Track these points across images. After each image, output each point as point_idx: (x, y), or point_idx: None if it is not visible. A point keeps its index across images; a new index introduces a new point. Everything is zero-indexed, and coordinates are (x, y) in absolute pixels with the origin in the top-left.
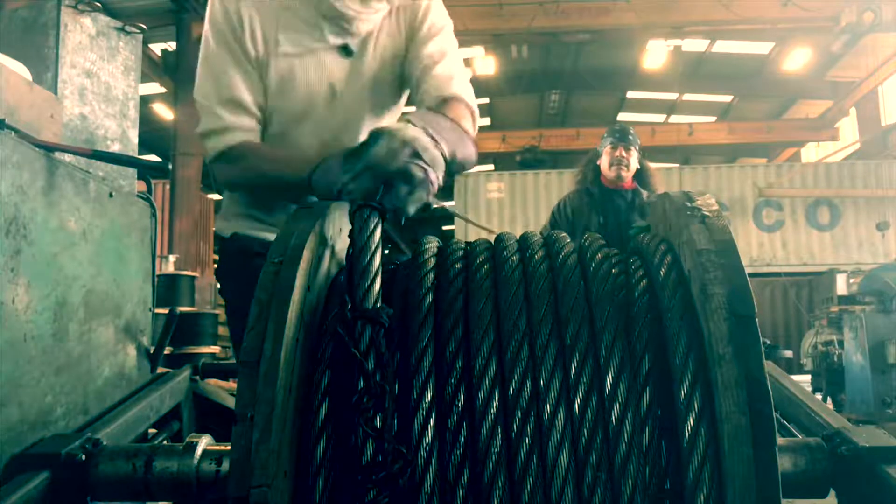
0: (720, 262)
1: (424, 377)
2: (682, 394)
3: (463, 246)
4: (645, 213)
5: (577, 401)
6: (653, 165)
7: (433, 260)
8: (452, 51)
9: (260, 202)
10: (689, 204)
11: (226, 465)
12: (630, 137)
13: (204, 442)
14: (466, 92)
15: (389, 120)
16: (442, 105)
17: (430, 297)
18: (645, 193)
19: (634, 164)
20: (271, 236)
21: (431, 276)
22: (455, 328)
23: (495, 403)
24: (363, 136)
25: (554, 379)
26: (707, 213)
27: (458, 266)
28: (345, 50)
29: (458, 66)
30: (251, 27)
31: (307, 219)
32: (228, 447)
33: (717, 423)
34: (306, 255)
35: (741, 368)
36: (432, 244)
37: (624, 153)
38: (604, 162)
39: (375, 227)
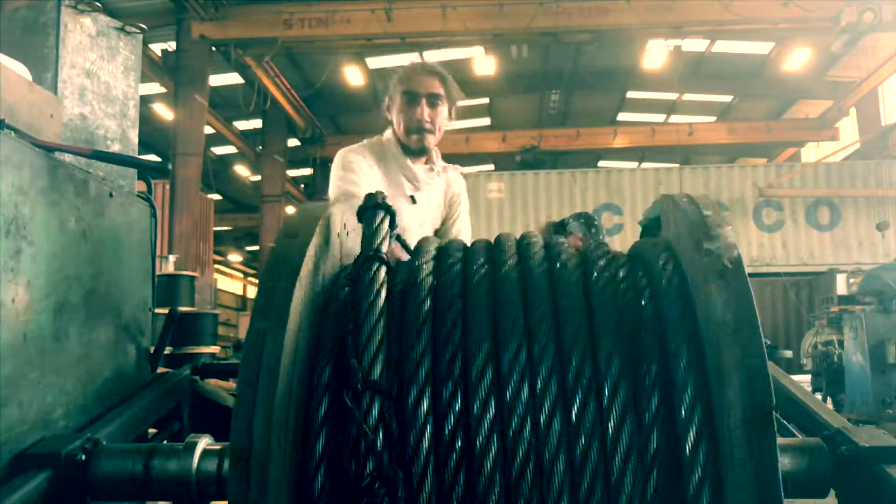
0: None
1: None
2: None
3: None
4: None
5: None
6: (651, 166)
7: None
8: (467, 222)
9: None
10: (707, 246)
11: (225, 465)
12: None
13: (204, 442)
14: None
15: None
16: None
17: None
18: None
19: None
20: None
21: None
22: (452, 332)
23: (492, 410)
24: None
25: (551, 383)
26: (727, 263)
27: (456, 268)
28: (412, 199)
29: (468, 230)
30: (374, 168)
31: (308, 223)
32: (228, 446)
33: None
34: (293, 316)
35: (755, 470)
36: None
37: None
38: None
39: (381, 287)
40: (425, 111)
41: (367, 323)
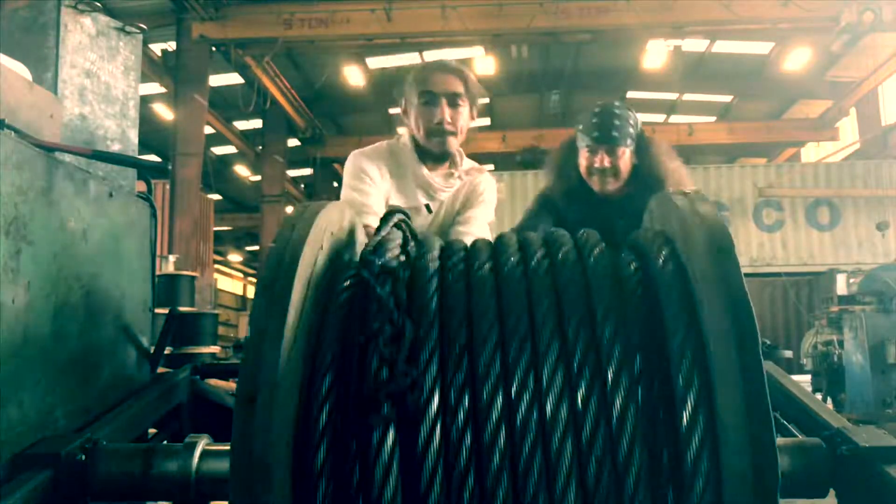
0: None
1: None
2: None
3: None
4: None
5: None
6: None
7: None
8: (485, 223)
9: None
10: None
11: (225, 465)
12: (615, 134)
13: (203, 442)
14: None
15: None
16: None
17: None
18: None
19: (627, 168)
20: None
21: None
22: (460, 327)
23: (500, 400)
24: None
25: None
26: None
27: (460, 266)
28: (427, 208)
29: (482, 227)
30: (380, 177)
31: (311, 211)
32: (228, 447)
33: None
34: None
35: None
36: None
37: (607, 160)
38: (581, 165)
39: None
40: (446, 112)
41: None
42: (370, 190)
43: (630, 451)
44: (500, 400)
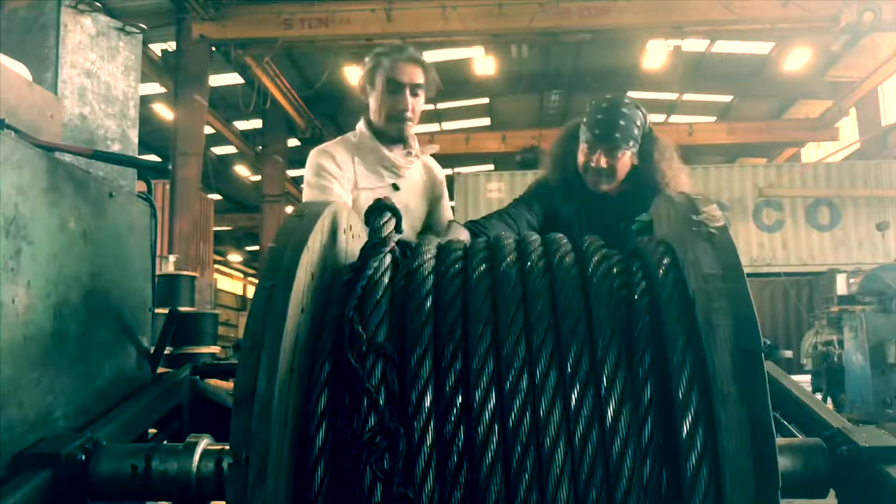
0: (726, 289)
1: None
2: (685, 431)
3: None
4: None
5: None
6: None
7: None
8: (448, 208)
9: None
10: (694, 217)
11: (225, 465)
12: (617, 136)
13: (203, 442)
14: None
15: (415, 227)
16: (449, 225)
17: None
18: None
19: (626, 169)
20: None
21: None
22: (453, 330)
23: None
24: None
25: (550, 374)
26: (713, 230)
27: (456, 266)
28: (395, 187)
29: (448, 206)
30: (347, 163)
31: (298, 231)
32: (227, 447)
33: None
34: (300, 276)
35: (746, 409)
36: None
37: (604, 160)
38: (579, 159)
39: (386, 270)
40: (408, 101)
41: (373, 296)
42: (330, 184)
43: (623, 450)
44: (492, 398)
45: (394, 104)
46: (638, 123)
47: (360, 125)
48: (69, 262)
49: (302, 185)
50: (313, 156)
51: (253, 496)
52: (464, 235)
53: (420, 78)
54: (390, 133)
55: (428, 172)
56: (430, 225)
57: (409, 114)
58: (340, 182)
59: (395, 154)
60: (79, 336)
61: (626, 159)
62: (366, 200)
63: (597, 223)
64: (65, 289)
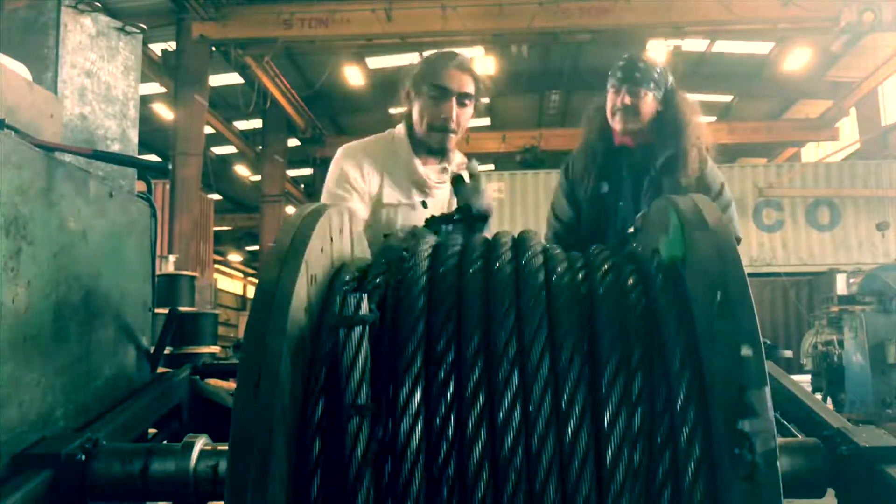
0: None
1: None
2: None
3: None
4: (670, 179)
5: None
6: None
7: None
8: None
9: None
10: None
11: (223, 465)
12: (637, 75)
13: (201, 442)
14: None
15: None
16: None
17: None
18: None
19: (650, 109)
20: None
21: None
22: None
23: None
24: None
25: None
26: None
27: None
28: (423, 204)
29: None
30: (371, 175)
31: (299, 231)
32: (225, 447)
33: None
34: (301, 275)
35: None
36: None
37: (628, 98)
38: (607, 108)
39: (362, 339)
40: (454, 110)
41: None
42: (349, 198)
43: (619, 449)
44: (482, 396)
45: (437, 112)
46: (658, 70)
47: (400, 130)
48: (69, 262)
49: (302, 185)
50: (340, 157)
51: (252, 496)
52: None
53: (470, 87)
54: (430, 144)
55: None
56: None
57: (453, 125)
58: (361, 195)
59: (429, 169)
60: (79, 336)
61: (650, 101)
62: (386, 214)
63: (620, 181)
64: (65, 289)
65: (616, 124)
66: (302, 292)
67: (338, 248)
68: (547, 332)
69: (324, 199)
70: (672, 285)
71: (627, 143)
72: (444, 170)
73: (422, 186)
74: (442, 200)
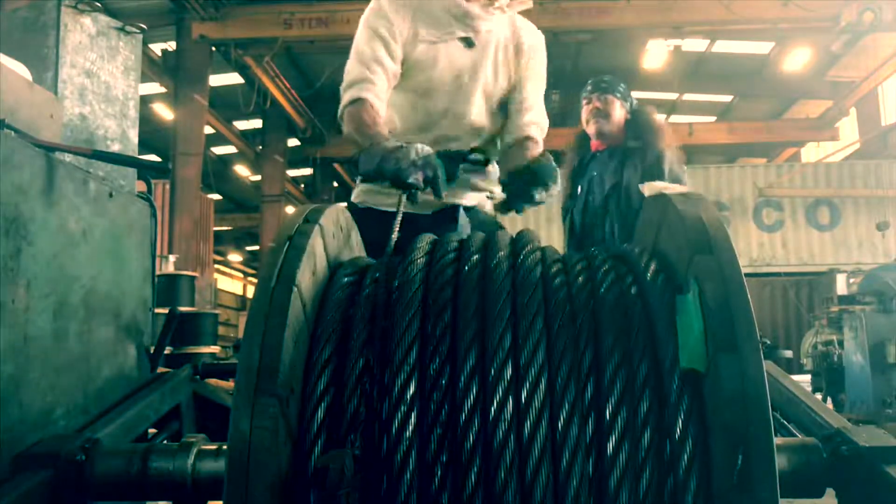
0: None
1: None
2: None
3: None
4: (638, 171)
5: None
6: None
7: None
8: (540, 95)
9: None
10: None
11: (222, 465)
12: (604, 84)
13: (200, 442)
14: (541, 130)
15: (491, 104)
16: (524, 142)
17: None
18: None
19: (618, 115)
20: (386, 200)
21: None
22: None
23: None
24: (473, 109)
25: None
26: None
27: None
28: (467, 42)
29: (541, 110)
30: (401, 18)
31: (300, 231)
32: (225, 446)
33: None
34: (301, 275)
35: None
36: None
37: (598, 102)
38: (582, 120)
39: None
40: None
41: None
42: (373, 72)
43: (618, 447)
44: (475, 388)
45: None
46: (621, 87)
47: None
48: (69, 262)
49: (302, 185)
50: (370, 9)
51: (249, 497)
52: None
53: None
54: None
55: (516, 35)
56: (507, 114)
57: None
58: (386, 66)
59: (473, 2)
60: (79, 336)
61: (618, 107)
62: (425, 53)
63: (596, 182)
64: (65, 289)
65: (590, 128)
66: (297, 303)
67: (336, 248)
68: (541, 326)
69: (350, 63)
70: (664, 284)
71: (601, 147)
72: (492, 3)
73: (464, 20)
74: (491, 41)
